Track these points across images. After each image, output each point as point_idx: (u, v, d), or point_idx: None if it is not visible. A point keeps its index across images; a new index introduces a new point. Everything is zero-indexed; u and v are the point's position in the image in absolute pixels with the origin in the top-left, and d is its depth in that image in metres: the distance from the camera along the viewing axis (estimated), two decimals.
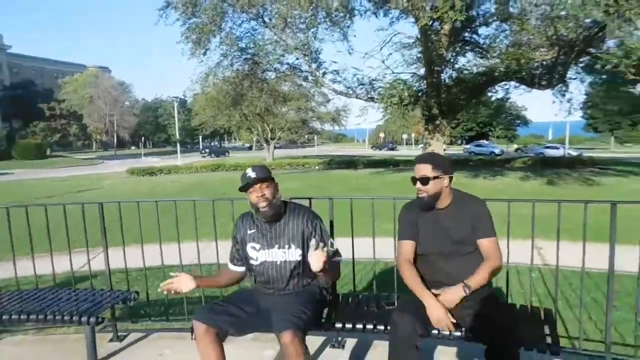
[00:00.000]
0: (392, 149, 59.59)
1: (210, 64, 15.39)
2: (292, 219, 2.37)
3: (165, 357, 3.06)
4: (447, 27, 13.67)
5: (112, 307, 3.03)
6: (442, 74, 15.39)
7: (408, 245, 2.45)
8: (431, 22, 11.94)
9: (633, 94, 25.96)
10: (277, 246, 2.36)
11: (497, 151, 41.85)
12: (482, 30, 15.29)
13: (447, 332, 2.24)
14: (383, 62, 14.79)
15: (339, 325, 2.47)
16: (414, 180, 2.39)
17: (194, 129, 52.99)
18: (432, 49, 13.89)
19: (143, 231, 3.41)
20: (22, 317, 2.88)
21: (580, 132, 58.62)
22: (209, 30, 13.52)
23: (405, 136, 63.63)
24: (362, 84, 15.39)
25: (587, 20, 10.00)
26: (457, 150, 43.05)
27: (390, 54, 20.04)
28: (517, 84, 15.02)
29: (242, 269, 2.49)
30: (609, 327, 2.75)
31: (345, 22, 14.58)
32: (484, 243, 2.36)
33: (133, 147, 71.38)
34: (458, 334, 2.28)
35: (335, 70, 15.34)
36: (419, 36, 14.65)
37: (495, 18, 14.14)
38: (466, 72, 15.18)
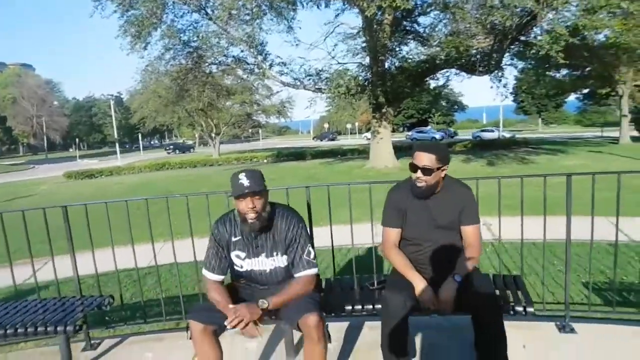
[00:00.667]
0: (332, 139, 60.35)
1: (151, 58, 14.77)
2: (278, 226, 2.28)
3: None
4: (389, 16, 14.03)
5: (84, 314, 2.88)
6: (386, 63, 15.78)
7: (394, 233, 2.50)
8: (378, 12, 12.12)
9: (555, 79, 28.09)
10: (264, 254, 2.31)
11: (437, 136, 43.42)
12: (422, 20, 15.82)
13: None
14: (329, 53, 14.90)
15: (336, 309, 2.53)
16: (414, 167, 2.36)
17: (133, 128, 50.63)
18: (376, 38, 14.19)
19: (95, 235, 3.18)
20: None
21: (511, 115, 62.18)
22: (149, 23, 12.91)
23: (349, 126, 64.51)
24: (309, 75, 15.46)
25: (519, 9, 10.57)
26: (400, 137, 44.21)
27: (336, 44, 20.27)
28: (458, 71, 15.71)
29: (222, 277, 2.33)
30: (567, 289, 2.98)
31: (289, 14, 14.54)
32: (469, 230, 2.45)
33: (67, 150, 67.08)
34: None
35: (282, 62, 15.29)
36: (363, 26, 14.91)
37: (433, 8, 14.66)
38: (409, 60, 15.63)
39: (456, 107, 65.09)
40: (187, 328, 2.19)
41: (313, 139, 65.20)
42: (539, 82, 28.17)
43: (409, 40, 16.01)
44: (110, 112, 43.87)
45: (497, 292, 2.57)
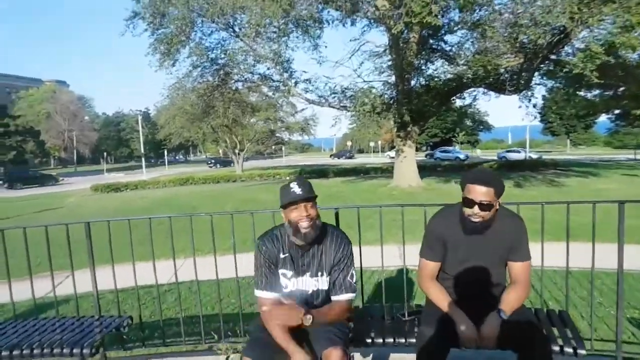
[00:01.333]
0: (350, 157, 60.28)
1: (179, 74, 15.07)
2: (327, 245, 2.20)
3: None
4: (415, 34, 13.96)
5: (102, 336, 2.77)
6: (412, 81, 15.66)
7: (433, 266, 2.33)
8: (405, 29, 12.06)
9: (587, 99, 27.39)
10: (309, 274, 2.22)
11: (462, 156, 42.88)
12: (449, 38, 15.69)
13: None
14: (354, 70, 14.89)
15: (367, 340, 2.39)
16: (471, 202, 2.15)
17: (159, 143, 51.71)
18: (402, 56, 14.11)
19: (116, 250, 3.12)
20: (3, 353, 2.57)
21: (538, 135, 61.04)
22: (178, 41, 13.20)
23: (372, 144, 64.43)
24: (334, 93, 15.46)
25: (550, 27, 10.33)
26: (421, 156, 43.81)
27: (362, 62, 20.19)
28: (485, 90, 15.46)
29: (279, 294, 2.21)
30: (620, 325, 2.73)
31: (315, 32, 14.65)
32: (519, 266, 2.25)
33: (95, 164, 68.96)
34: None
35: (307, 79, 15.35)
36: (389, 44, 14.87)
37: (460, 26, 14.53)
38: (436, 79, 15.47)
39: (481, 126, 64.26)
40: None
41: (330, 157, 65.27)
42: (569, 102, 27.50)
43: (435, 59, 15.88)
44: (138, 128, 44.99)
45: (546, 327, 2.37)
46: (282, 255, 2.20)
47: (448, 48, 15.84)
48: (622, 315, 2.78)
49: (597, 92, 24.70)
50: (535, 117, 16.73)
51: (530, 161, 29.70)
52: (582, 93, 24.18)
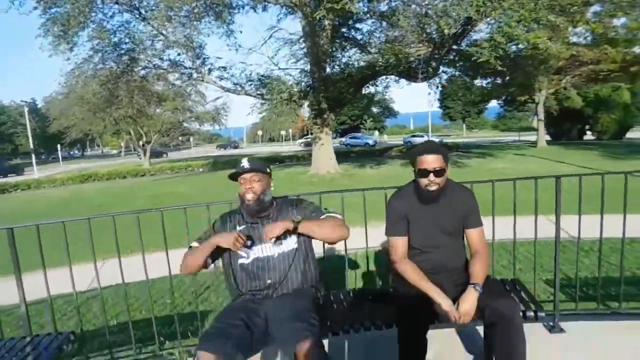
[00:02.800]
0: (235, 147, 61.98)
1: (77, 60, 13.49)
2: (282, 210, 2.27)
3: None
4: (329, 22, 14.08)
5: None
6: (327, 69, 15.82)
7: (403, 242, 2.41)
8: (324, 16, 12.03)
9: (482, 86, 30.03)
10: (270, 241, 2.18)
11: (370, 142, 44.52)
12: (361, 26, 16.04)
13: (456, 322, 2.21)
14: (270, 58, 14.63)
15: (345, 328, 2.35)
16: (425, 172, 2.25)
17: (50, 137, 46.64)
18: (318, 44, 14.17)
19: (24, 258, 2.76)
20: None
21: (438, 121, 65.59)
22: (75, 23, 11.79)
23: (283, 132, 64.35)
24: (251, 80, 15.08)
25: (459, 18, 10.95)
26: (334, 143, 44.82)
27: (278, 50, 19.83)
28: (397, 78, 16.13)
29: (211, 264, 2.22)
30: (557, 288, 3.00)
31: (227, 16, 14.05)
32: (474, 233, 2.41)
33: None
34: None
35: (222, 67, 14.76)
36: (303, 32, 14.83)
37: (369, 15, 14.94)
38: (350, 66, 15.78)
39: (387, 113, 67.37)
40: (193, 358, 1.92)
41: (217, 147, 64.41)
42: (468, 90, 29.89)
43: (349, 47, 16.18)
44: (23, 120, 40.11)
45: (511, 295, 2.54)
46: (239, 227, 2.23)
47: (360, 36, 16.27)
48: (558, 278, 3.03)
49: (489, 80, 27.24)
50: (441, 103, 17.84)
51: None
52: (478, 81, 26.49)
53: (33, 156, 33.02)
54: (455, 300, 2.22)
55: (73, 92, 22.31)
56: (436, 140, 38.33)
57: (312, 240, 2.27)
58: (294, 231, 2.14)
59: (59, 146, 48.27)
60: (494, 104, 44.59)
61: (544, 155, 20.67)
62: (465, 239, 2.46)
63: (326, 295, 2.70)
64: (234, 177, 2.20)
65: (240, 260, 2.22)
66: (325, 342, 2.55)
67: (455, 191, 2.41)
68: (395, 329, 2.27)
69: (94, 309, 4.35)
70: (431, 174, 2.26)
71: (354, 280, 4.45)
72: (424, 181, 2.28)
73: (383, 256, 4.36)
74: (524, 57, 17.97)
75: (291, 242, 2.23)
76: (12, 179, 26.89)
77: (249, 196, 2.15)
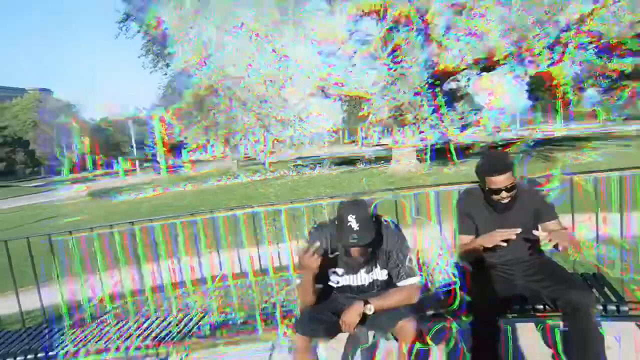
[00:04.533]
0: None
1: (173, 73, 14.85)
2: (379, 239, 2.21)
3: None
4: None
5: None
6: (406, 65, 15.68)
7: (468, 239, 2.54)
8: None
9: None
10: (363, 270, 2.26)
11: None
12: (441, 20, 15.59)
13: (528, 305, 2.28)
14: (350, 59, 14.76)
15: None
16: (498, 191, 2.30)
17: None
18: (396, 42, 14.14)
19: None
20: None
21: (525, 113, 61.01)
22: (172, 41, 13.03)
23: (363, 133, 64.01)
24: (331, 82, 15.43)
25: None
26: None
27: (356, 51, 19.85)
28: (479, 72, 15.56)
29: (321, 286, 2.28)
30: None
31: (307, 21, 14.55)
32: (552, 225, 2.42)
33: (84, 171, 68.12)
34: (540, 306, 2.42)
35: (303, 70, 15.29)
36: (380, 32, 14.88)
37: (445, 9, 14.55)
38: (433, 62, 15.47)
39: (472, 108, 64.13)
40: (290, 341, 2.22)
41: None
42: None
43: (427, 42, 15.92)
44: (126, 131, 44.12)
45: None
46: (330, 255, 2.20)
47: (438, 31, 15.85)
48: None
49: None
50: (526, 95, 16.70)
51: (526, 138, 29.76)
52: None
53: (137, 162, 36.51)
54: (530, 290, 2.31)
55: (170, 104, 24.47)
56: (526, 133, 36.01)
57: None
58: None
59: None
60: (591, 91, 40.58)
61: None
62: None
63: None
64: (340, 239, 2.08)
65: (330, 283, 2.30)
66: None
67: (523, 189, 2.42)
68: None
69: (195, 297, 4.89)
70: (503, 192, 2.31)
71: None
72: (496, 197, 2.35)
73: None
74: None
75: (382, 274, 2.25)
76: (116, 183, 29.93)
77: (356, 254, 2.11)
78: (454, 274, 2.84)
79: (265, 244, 3.43)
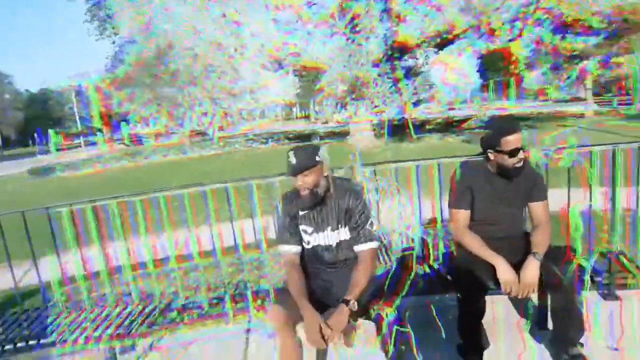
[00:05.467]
0: None
1: (120, 42, 13.64)
2: (339, 198, 2.32)
3: None
4: None
5: None
6: (364, 43, 15.29)
7: (465, 215, 2.49)
8: None
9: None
10: (329, 228, 2.33)
11: (405, 115, 43.64)
12: None
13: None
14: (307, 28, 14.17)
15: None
16: (515, 151, 2.30)
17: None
18: (355, 12, 13.67)
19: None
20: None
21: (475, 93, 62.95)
22: (119, 7, 11.77)
23: (318, 107, 63.87)
24: (288, 53, 14.78)
25: None
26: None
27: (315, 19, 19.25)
28: (437, 49, 15.38)
29: (299, 247, 2.37)
30: (613, 257, 2.98)
31: None
32: (539, 206, 2.46)
33: (21, 146, 63.54)
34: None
35: (257, 39, 14.51)
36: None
37: None
38: (389, 39, 15.14)
39: (427, 84, 65.26)
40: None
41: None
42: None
43: (387, 14, 15.53)
44: (71, 104, 41.64)
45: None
46: (301, 213, 2.34)
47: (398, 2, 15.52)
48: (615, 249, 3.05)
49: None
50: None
51: (480, 115, 30.49)
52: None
53: (80, 137, 34.36)
54: (513, 265, 2.27)
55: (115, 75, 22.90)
56: (479, 111, 37.03)
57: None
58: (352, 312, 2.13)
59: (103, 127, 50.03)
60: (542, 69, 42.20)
61: (597, 124, 19.42)
62: (527, 211, 2.55)
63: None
64: (288, 174, 2.25)
65: (303, 245, 2.39)
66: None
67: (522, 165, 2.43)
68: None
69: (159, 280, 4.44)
70: (520, 152, 2.31)
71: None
72: (513, 160, 2.32)
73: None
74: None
75: (346, 233, 2.34)
76: (59, 160, 28.02)
77: (303, 192, 2.23)
78: (412, 239, 3.04)
79: (232, 220, 3.24)
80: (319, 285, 2.34)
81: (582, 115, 24.73)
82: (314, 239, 2.35)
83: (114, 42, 13.67)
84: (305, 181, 2.21)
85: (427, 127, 26.66)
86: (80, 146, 36.32)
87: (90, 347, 2.79)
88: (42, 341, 2.46)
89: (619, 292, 2.97)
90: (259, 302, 2.93)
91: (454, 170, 2.53)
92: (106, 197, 3.10)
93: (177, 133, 34.56)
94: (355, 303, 2.10)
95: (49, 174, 22.49)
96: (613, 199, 2.97)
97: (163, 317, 2.91)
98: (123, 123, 36.42)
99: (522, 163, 2.34)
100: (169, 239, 3.28)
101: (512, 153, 2.30)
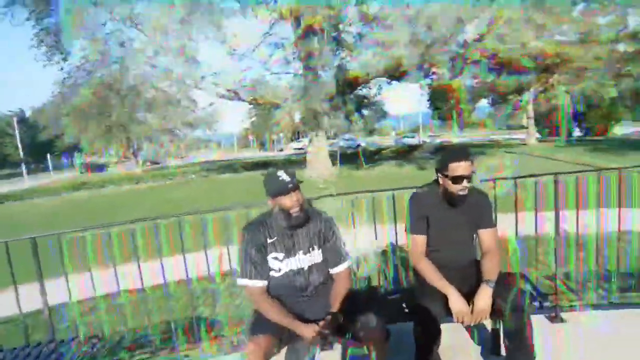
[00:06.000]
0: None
1: (70, 69, 13.50)
2: (312, 222, 2.32)
3: None
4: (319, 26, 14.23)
5: None
6: (320, 72, 15.95)
7: (422, 240, 2.53)
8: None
9: (471, 86, 30.42)
10: (301, 252, 2.30)
11: (363, 144, 44.74)
12: (353, 29, 16.19)
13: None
14: (264, 64, 14.70)
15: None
16: (460, 179, 2.37)
17: (39, 146, 46.13)
18: (309, 47, 14.33)
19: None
20: None
21: (427, 121, 65.77)
22: (68, 33, 11.79)
23: (275, 137, 64.13)
24: (245, 86, 15.16)
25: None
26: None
27: (271, 54, 19.67)
28: (389, 80, 16.32)
29: (265, 282, 2.27)
30: (557, 280, 3.18)
31: (220, 21, 14.12)
32: (487, 233, 2.52)
33: None
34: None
35: (215, 73, 14.82)
36: (296, 36, 14.98)
37: (359, 19, 15.13)
38: (343, 69, 15.92)
39: (378, 114, 67.36)
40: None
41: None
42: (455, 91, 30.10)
43: (340, 50, 16.35)
44: (10, 130, 39.65)
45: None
46: (269, 240, 2.27)
47: (350, 40, 16.44)
48: (558, 270, 3.22)
49: (477, 80, 27.62)
50: (431, 103, 18.09)
51: (428, 145, 31.99)
52: (467, 81, 26.82)
53: (23, 166, 32.69)
54: (464, 294, 2.33)
55: (65, 101, 22.26)
56: (428, 140, 38.87)
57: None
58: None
59: (48, 155, 47.75)
60: (483, 103, 45.00)
61: (535, 152, 20.94)
62: (476, 238, 2.58)
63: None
64: (280, 194, 2.18)
65: (273, 274, 2.29)
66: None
67: (471, 193, 2.48)
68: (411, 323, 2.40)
69: (109, 314, 4.40)
70: (465, 180, 2.37)
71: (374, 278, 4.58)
72: (457, 187, 2.39)
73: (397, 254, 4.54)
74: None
75: (319, 256, 2.34)
76: (2, 189, 26.50)
77: (296, 209, 2.19)
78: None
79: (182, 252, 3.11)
80: (293, 314, 2.22)
81: (524, 144, 26.74)
82: (285, 264, 2.29)
83: (62, 69, 13.40)
84: (298, 198, 2.20)
85: (376, 156, 27.71)
86: (22, 175, 34.47)
87: None
88: None
89: (564, 315, 3.05)
90: (213, 333, 2.93)
91: (410, 199, 2.60)
92: (47, 234, 2.94)
93: (130, 162, 33.71)
94: (340, 315, 2.14)
95: None
96: (556, 223, 3.16)
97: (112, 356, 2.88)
98: (77, 153, 34.88)
99: (466, 191, 2.40)
100: (120, 271, 3.17)
101: (457, 180, 2.37)
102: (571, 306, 3.19)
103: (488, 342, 2.75)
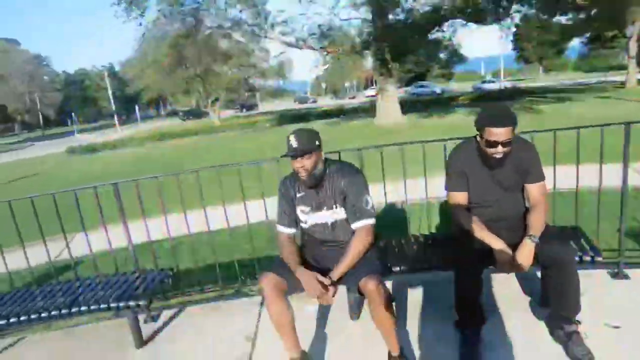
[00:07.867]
0: (314, 102, 59.41)
1: (148, 25, 14.15)
2: (335, 179, 2.36)
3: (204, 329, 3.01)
4: None
5: (149, 290, 2.82)
6: (390, 16, 15.27)
7: (461, 196, 2.47)
8: None
9: (560, 23, 27.29)
10: (325, 208, 2.39)
11: (438, 90, 42.83)
12: None
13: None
14: (331, 8, 14.35)
15: (403, 269, 2.59)
16: (494, 144, 2.25)
17: (129, 98, 49.77)
18: None
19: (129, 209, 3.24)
20: (52, 312, 2.68)
21: (511, 64, 60.94)
22: None
23: (347, 84, 63.42)
24: (313, 34, 15.00)
25: None
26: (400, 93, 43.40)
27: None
28: (465, 22, 15.22)
29: (294, 230, 2.45)
30: (622, 236, 2.95)
31: None
32: (535, 188, 2.40)
33: (63, 125, 66.03)
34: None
35: (284, 21, 14.77)
36: None
37: None
38: (414, 12, 15.09)
39: (455, 58, 63.50)
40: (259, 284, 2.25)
41: (294, 102, 63.62)
42: (544, 29, 27.31)
43: None
44: (104, 84, 42.93)
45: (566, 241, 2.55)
46: (298, 194, 2.42)
47: None
48: (625, 226, 2.96)
49: (570, 16, 24.66)
50: (514, 47, 16.65)
51: (507, 90, 29.93)
52: (556, 18, 24.08)
53: (115, 118, 35.61)
54: (512, 245, 2.28)
55: (146, 55, 23.54)
56: (508, 85, 36.19)
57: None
58: (326, 288, 2.18)
59: (136, 107, 51.39)
60: (576, 42, 40.56)
61: (636, 96, 18.70)
62: (524, 191, 2.47)
63: (387, 242, 2.89)
64: (287, 156, 2.29)
65: (300, 224, 2.47)
66: (388, 283, 2.79)
67: (517, 147, 2.36)
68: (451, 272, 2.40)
69: (184, 253, 4.71)
70: (499, 146, 2.24)
71: (415, 229, 4.60)
72: (491, 150, 2.28)
73: (442, 207, 4.47)
74: None
75: (342, 213, 2.38)
76: (98, 139, 29.23)
77: (302, 174, 2.27)
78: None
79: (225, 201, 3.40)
80: (315, 259, 2.42)
81: (622, 86, 23.95)
82: (311, 218, 2.42)
83: (140, 24, 14.00)
84: (304, 164, 2.26)
85: (459, 100, 26.41)
86: (115, 125, 37.60)
87: (114, 315, 3.16)
88: (72, 310, 2.67)
89: (628, 271, 2.90)
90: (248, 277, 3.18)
91: (449, 155, 2.53)
92: (127, 179, 3.30)
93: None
94: (330, 281, 2.18)
95: (87, 153, 23.75)
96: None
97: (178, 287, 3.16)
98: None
99: (501, 155, 2.29)
100: (190, 215, 3.44)
101: (492, 144, 2.26)
102: (637, 263, 3.02)
103: (536, 293, 2.71)
